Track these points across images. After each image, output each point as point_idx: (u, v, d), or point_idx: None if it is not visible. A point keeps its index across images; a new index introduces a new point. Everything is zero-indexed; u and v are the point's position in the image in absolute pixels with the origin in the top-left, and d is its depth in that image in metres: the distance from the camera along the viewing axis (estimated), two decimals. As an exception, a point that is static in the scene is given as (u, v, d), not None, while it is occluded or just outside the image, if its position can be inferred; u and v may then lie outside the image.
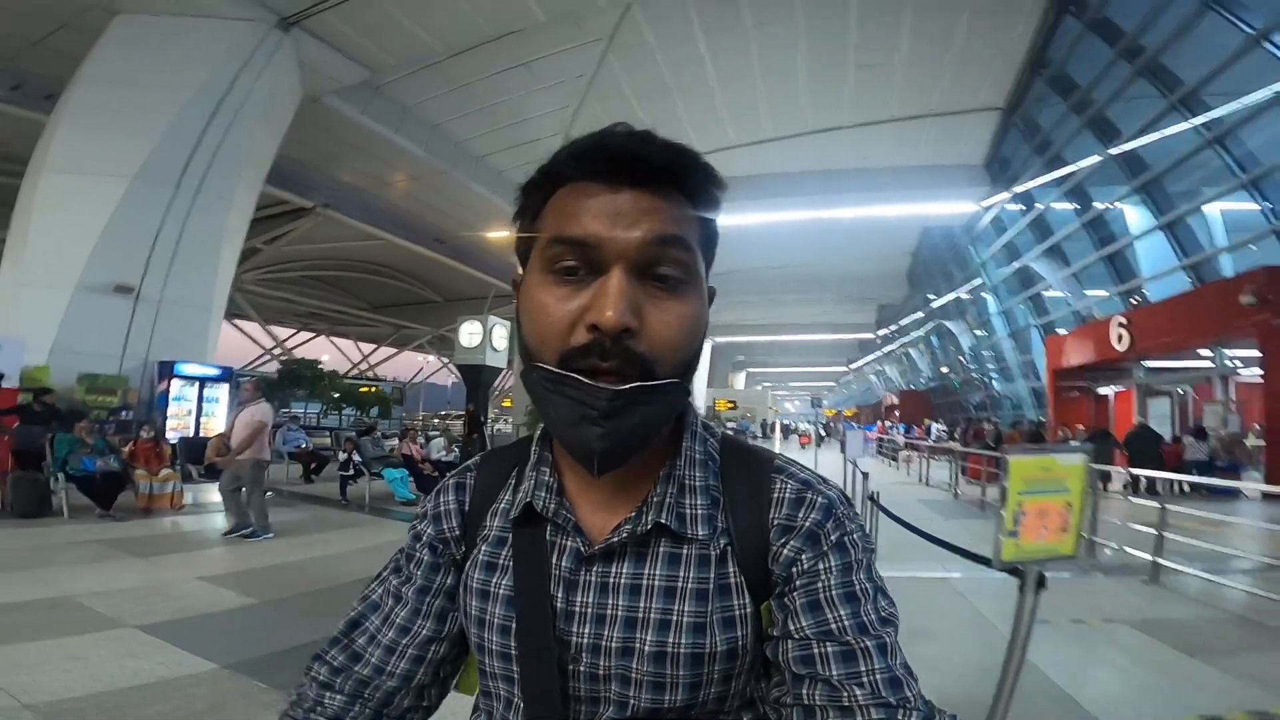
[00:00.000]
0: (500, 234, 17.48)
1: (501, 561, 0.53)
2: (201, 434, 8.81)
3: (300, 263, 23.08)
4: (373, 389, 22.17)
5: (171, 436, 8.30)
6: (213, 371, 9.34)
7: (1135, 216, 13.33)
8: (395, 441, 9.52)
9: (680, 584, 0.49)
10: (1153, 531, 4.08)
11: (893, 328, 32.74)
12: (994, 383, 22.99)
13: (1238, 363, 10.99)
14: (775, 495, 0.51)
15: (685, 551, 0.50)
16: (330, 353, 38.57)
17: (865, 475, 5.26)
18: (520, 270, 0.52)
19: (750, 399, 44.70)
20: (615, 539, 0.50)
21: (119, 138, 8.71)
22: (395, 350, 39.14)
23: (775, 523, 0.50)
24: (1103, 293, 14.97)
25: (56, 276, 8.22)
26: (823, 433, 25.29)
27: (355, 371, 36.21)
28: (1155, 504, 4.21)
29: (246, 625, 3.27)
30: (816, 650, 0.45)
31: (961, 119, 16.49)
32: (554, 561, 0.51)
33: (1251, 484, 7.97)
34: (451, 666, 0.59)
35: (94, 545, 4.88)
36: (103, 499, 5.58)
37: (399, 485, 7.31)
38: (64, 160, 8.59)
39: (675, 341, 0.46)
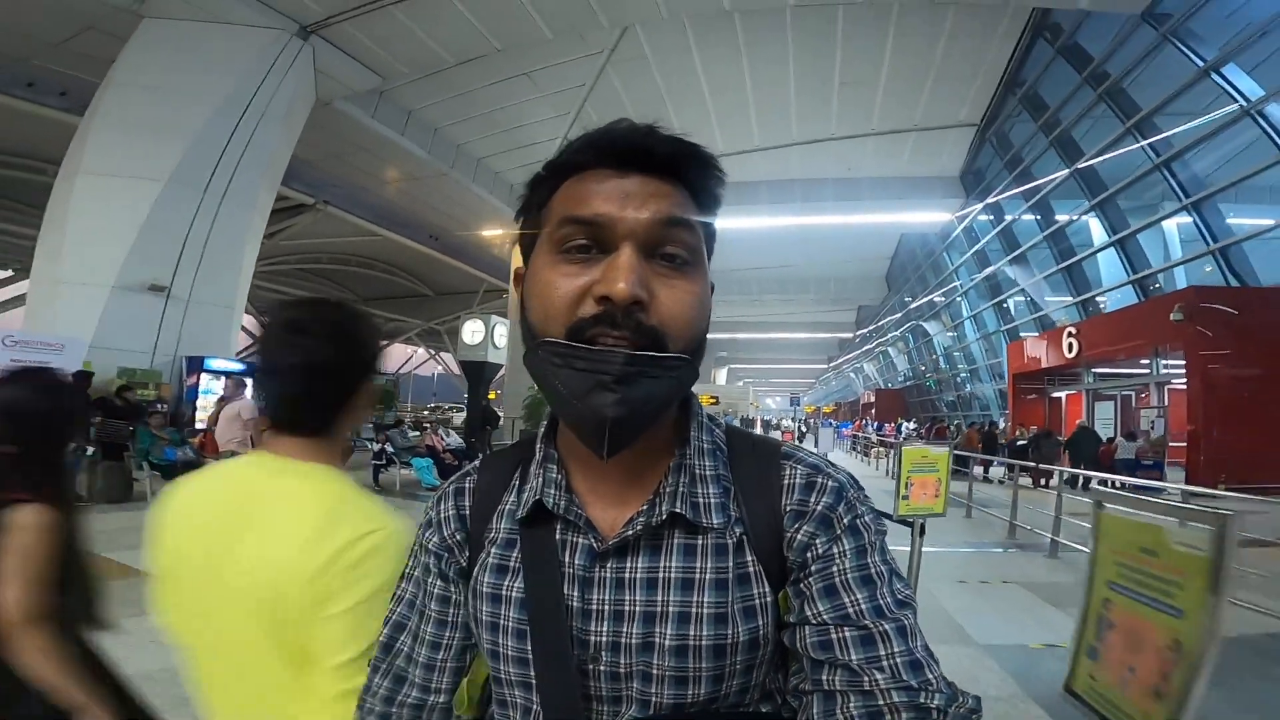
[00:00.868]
0: (495, 231, 18.13)
1: (512, 564, 0.52)
2: (196, 424, 9.45)
3: (294, 256, 23.41)
4: (387, 384, 22.72)
5: (200, 427, 8.94)
6: (238, 366, 9.96)
7: (1097, 231, 14.39)
8: (416, 433, 10.36)
9: (698, 575, 0.48)
10: (1057, 517, 5.09)
11: (870, 328, 34.00)
12: (965, 383, 24.28)
13: (1171, 372, 12.17)
14: (786, 481, 0.51)
15: (701, 542, 0.49)
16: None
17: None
18: (522, 264, 0.53)
19: (732, 395, 45.88)
20: (630, 532, 0.49)
21: (151, 141, 9.16)
22: (385, 342, 39.24)
23: (788, 509, 0.50)
24: (1066, 299, 16.10)
25: (95, 275, 8.66)
26: (804, 429, 26.53)
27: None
28: (1054, 494, 5.18)
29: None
30: (834, 635, 0.45)
31: (939, 134, 17.44)
32: (566, 560, 0.50)
33: (1162, 483, 9.08)
34: None
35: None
36: (180, 488, 6.26)
37: (425, 473, 8.25)
38: (100, 162, 9.00)
39: (684, 317, 0.47)
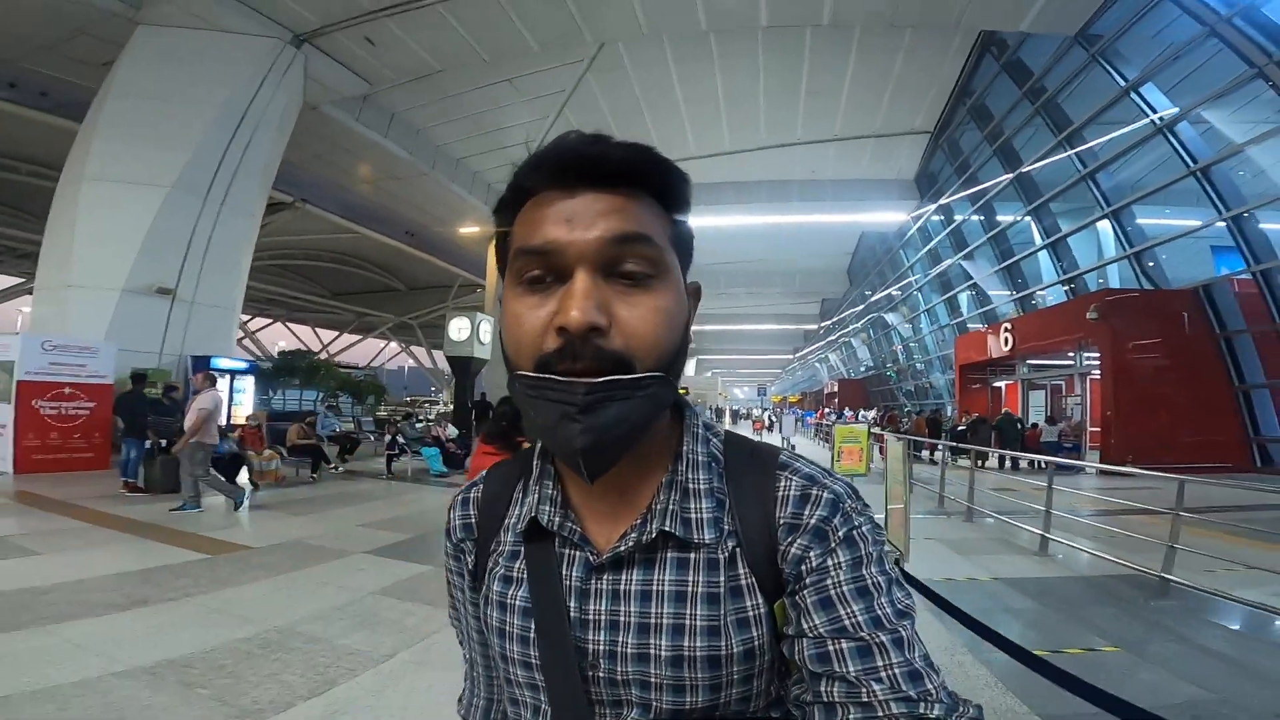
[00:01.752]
0: (473, 230, 18.62)
1: (516, 574, 0.53)
2: (231, 421, 9.97)
3: (267, 252, 23.36)
4: (370, 378, 23.02)
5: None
6: (241, 365, 10.44)
7: (1036, 234, 15.61)
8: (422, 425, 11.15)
9: (690, 588, 0.49)
10: (971, 490, 6.24)
11: (833, 320, 35.60)
12: (924, 374, 25.90)
13: (1092, 365, 13.69)
14: (780, 493, 0.51)
15: (693, 556, 0.50)
16: (286, 339, 38.25)
17: (793, 445, 7.20)
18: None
19: (701, 385, 47.56)
20: (623, 548, 0.50)
21: (154, 149, 9.50)
22: (360, 337, 39.10)
23: (782, 521, 0.50)
24: (1006, 293, 17.45)
25: (104, 279, 9.02)
26: (772, 418, 27.85)
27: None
28: (990, 473, 6.28)
29: (414, 549, 4.89)
30: (832, 647, 0.45)
31: (896, 140, 18.67)
32: (565, 572, 0.52)
33: (1078, 461, 10.46)
34: None
35: (268, 510, 6.32)
36: (229, 474, 6.87)
37: (434, 461, 9.08)
38: (104, 169, 9.30)
39: (649, 336, 0.46)
